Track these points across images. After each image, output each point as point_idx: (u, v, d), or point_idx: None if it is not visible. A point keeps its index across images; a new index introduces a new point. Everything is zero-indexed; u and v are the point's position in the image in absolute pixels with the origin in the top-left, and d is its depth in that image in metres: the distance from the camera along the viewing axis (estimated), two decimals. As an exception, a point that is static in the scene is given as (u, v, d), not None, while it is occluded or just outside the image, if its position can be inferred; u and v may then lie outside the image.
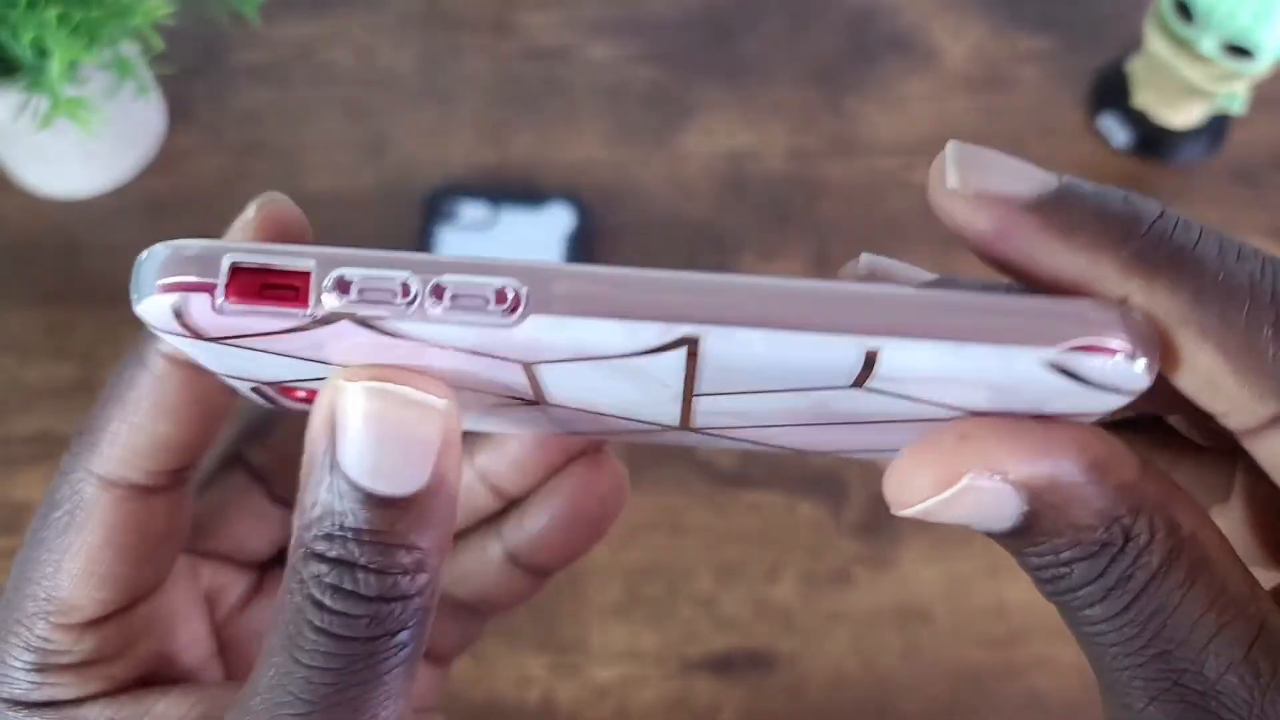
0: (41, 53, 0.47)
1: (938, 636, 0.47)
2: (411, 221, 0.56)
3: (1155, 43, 0.55)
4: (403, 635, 0.17)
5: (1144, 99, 0.58)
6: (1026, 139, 0.59)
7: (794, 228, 0.57)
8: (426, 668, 0.26)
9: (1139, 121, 0.58)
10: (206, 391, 0.20)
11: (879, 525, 0.49)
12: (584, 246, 0.55)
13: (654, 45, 0.63)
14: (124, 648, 0.21)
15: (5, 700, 0.20)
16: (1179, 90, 0.56)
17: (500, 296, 0.16)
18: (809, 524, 0.50)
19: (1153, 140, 0.58)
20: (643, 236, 0.57)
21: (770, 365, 0.17)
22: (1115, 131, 0.59)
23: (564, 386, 0.18)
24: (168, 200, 0.58)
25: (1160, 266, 0.16)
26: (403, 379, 0.17)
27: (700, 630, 0.48)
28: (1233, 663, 0.16)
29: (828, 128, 0.60)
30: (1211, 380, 0.16)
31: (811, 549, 0.49)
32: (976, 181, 0.18)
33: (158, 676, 0.22)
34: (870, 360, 0.17)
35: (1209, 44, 0.52)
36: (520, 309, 0.16)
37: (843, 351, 0.16)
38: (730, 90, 0.61)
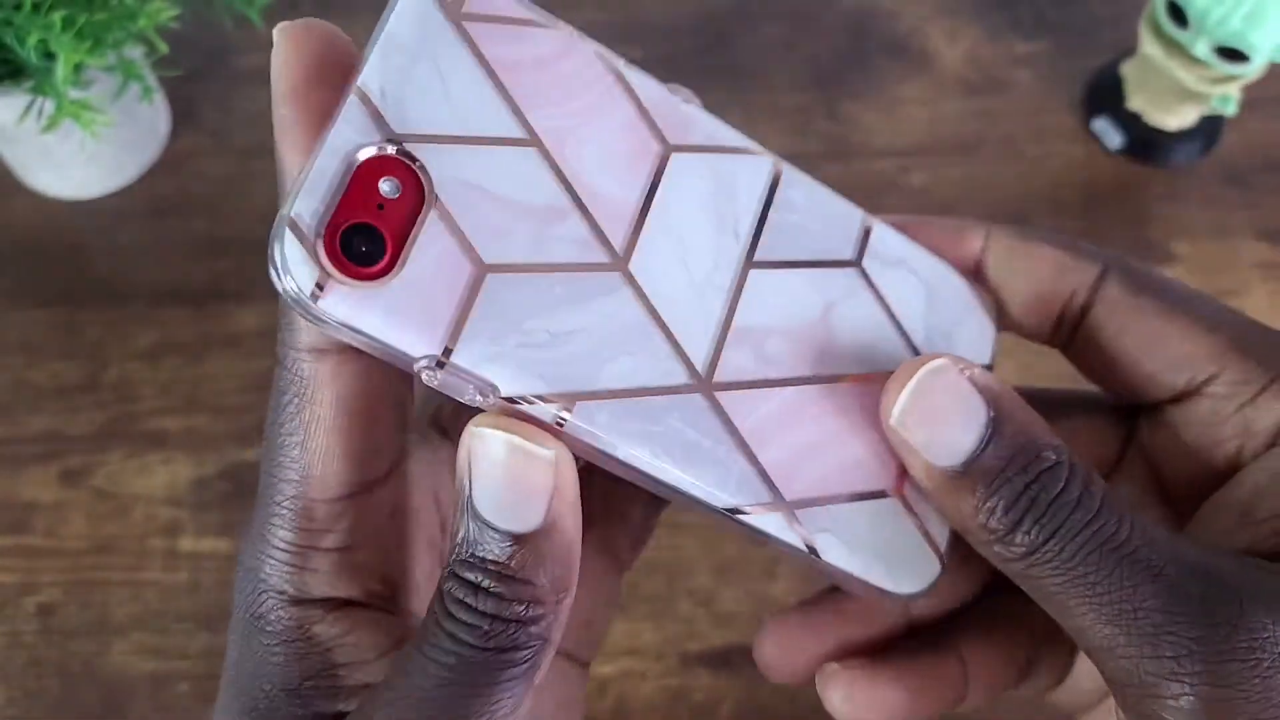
0: (47, 55, 0.48)
1: (933, 633, 0.48)
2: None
3: (1149, 46, 0.56)
4: (515, 654, 0.19)
5: (1138, 102, 0.59)
6: (1021, 142, 0.60)
7: (792, 229, 0.57)
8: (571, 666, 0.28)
9: (1133, 124, 0.59)
10: None
11: (875, 523, 0.50)
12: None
13: (651, 49, 0.63)
14: (367, 538, 0.22)
15: (271, 591, 0.22)
16: (1172, 93, 0.56)
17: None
18: (806, 522, 0.50)
19: (1146, 142, 0.59)
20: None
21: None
22: (1109, 134, 0.59)
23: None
24: (173, 202, 0.59)
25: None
26: (519, 429, 0.19)
27: (699, 626, 0.48)
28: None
29: (824, 131, 0.60)
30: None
31: (809, 546, 0.50)
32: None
33: (392, 592, 0.23)
34: (866, 234, 0.26)
35: (1202, 47, 0.53)
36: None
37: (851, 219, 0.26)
38: (727, 94, 0.61)
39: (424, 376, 0.20)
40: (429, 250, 0.19)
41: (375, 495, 0.23)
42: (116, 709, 0.47)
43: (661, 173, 0.22)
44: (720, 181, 0.23)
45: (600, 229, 0.21)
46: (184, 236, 0.58)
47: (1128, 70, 0.59)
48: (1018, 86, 0.62)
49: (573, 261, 0.21)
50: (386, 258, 0.19)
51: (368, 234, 0.19)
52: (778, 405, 0.22)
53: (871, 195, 0.59)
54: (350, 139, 0.20)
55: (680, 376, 0.21)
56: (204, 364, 0.54)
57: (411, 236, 0.19)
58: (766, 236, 0.24)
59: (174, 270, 0.57)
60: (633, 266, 0.21)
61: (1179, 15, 0.53)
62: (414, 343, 0.19)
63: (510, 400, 0.20)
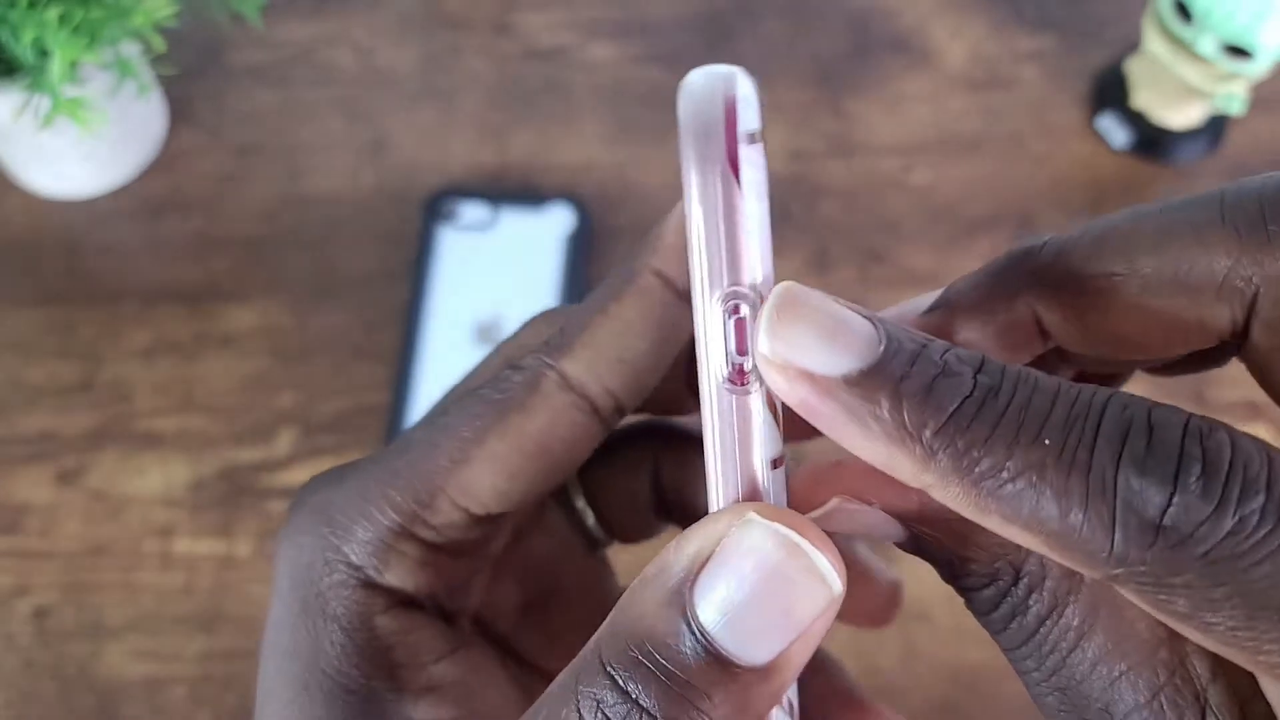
0: (42, 53, 0.47)
1: (936, 637, 0.47)
2: (411, 222, 0.56)
3: (1154, 43, 0.55)
4: None
5: (1143, 99, 0.58)
6: (1025, 139, 0.59)
7: (794, 228, 0.57)
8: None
9: (1137, 122, 0.58)
10: (680, 322, 0.20)
11: (878, 525, 0.50)
12: (583, 247, 0.55)
13: (654, 46, 0.63)
14: (473, 569, 0.20)
15: (346, 564, 0.19)
16: (1178, 91, 0.56)
17: None
18: (808, 523, 0.50)
19: (1151, 140, 0.58)
20: (642, 237, 0.57)
21: None
22: (1114, 132, 0.59)
23: None
24: (168, 200, 0.58)
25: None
26: (817, 540, 0.15)
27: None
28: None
29: (827, 128, 0.60)
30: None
31: (811, 548, 0.49)
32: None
33: (455, 605, 0.21)
34: None
35: (1207, 44, 0.52)
36: None
37: None
38: (730, 91, 0.61)
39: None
40: None
41: (493, 532, 0.21)
42: (111, 712, 0.47)
43: None
44: None
45: None
46: (179, 235, 0.57)
47: (1132, 67, 0.59)
48: (1021, 83, 0.61)
49: None
50: None
51: None
52: None
53: (875, 193, 0.58)
54: None
55: None
56: (199, 364, 0.54)
57: None
58: None
59: (169, 269, 0.56)
60: None
61: (1184, 11, 0.53)
62: None
63: None
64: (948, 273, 0.55)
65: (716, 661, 0.15)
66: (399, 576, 0.19)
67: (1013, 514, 0.15)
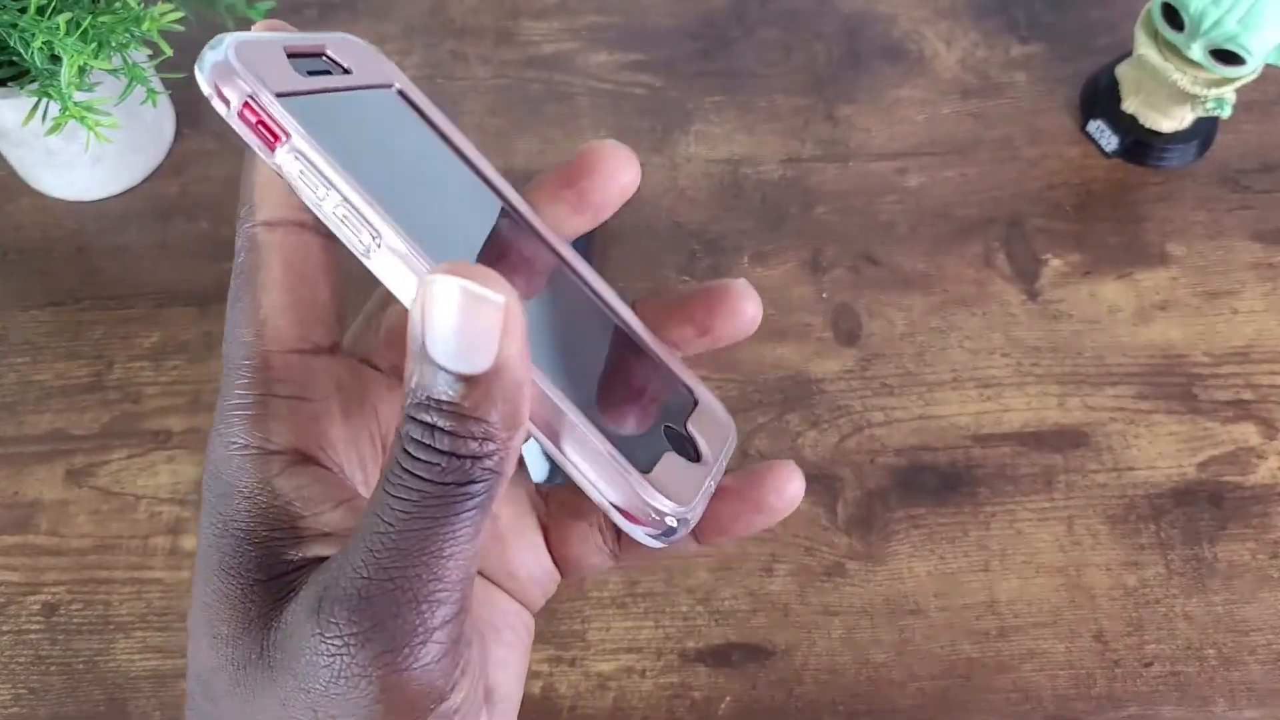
0: (52, 58, 0.48)
1: (930, 630, 0.48)
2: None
3: (1144, 48, 0.56)
4: (471, 488, 0.21)
5: (1133, 104, 0.59)
6: (1017, 144, 0.60)
7: (789, 232, 0.58)
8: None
9: (1128, 126, 0.59)
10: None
11: (872, 522, 0.50)
12: (585, 249, 0.56)
13: (653, 54, 0.64)
14: (320, 395, 0.25)
15: (234, 444, 0.24)
16: (1168, 95, 0.57)
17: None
18: (804, 520, 0.51)
19: (1142, 144, 0.59)
20: (642, 240, 0.58)
21: None
22: (1105, 136, 0.60)
23: None
24: (176, 204, 0.59)
25: None
26: (473, 274, 0.20)
27: (698, 623, 0.49)
28: None
29: (822, 134, 0.61)
30: None
31: (806, 544, 0.50)
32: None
33: (339, 459, 0.26)
34: None
35: (1197, 50, 0.53)
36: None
37: None
38: (727, 97, 0.62)
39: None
40: None
41: (323, 360, 0.25)
42: (120, 706, 0.47)
43: None
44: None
45: None
46: (188, 238, 0.58)
47: (1123, 72, 0.60)
48: (1013, 89, 0.62)
49: None
50: None
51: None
52: None
53: (870, 197, 0.59)
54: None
55: None
56: (207, 364, 0.54)
57: None
58: None
59: (178, 271, 0.57)
60: None
61: (1174, 18, 0.54)
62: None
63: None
64: (941, 274, 0.56)
65: (461, 381, 0.20)
66: (281, 437, 0.24)
67: None
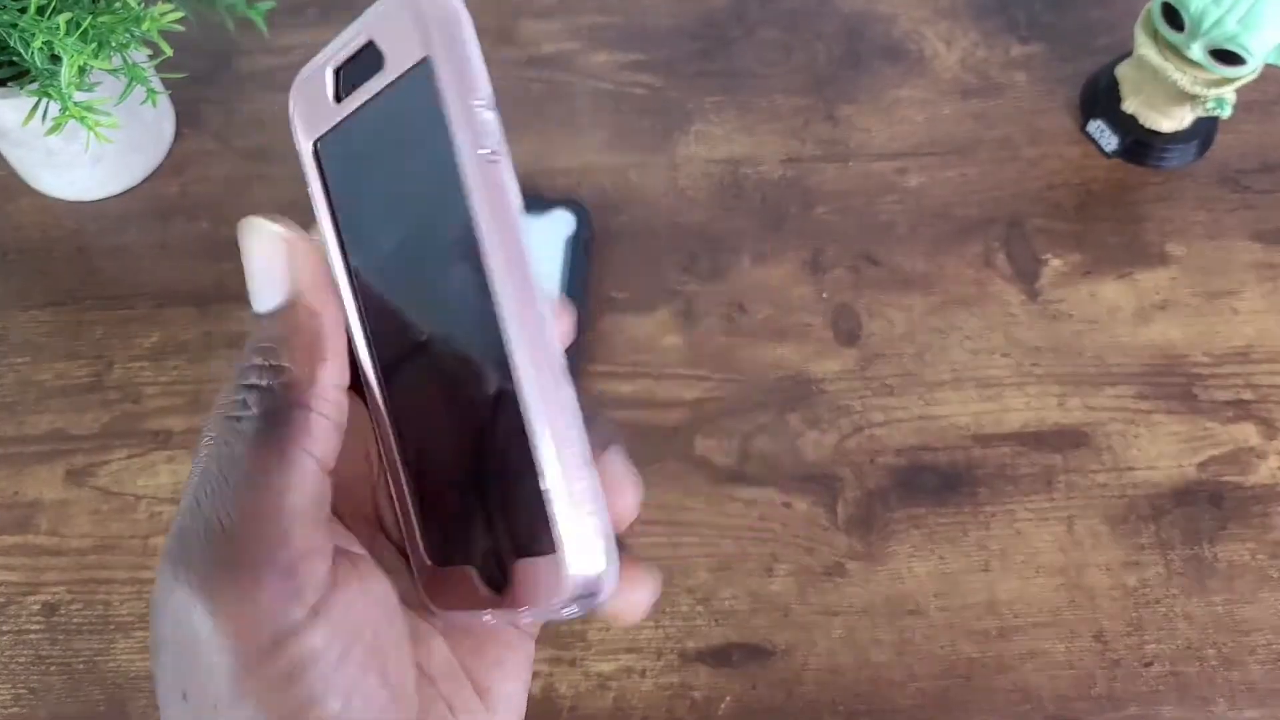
0: (52, 58, 0.48)
1: (930, 630, 0.48)
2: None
3: (1144, 48, 0.56)
4: (285, 415, 0.22)
5: (1133, 104, 0.59)
6: (1017, 144, 0.60)
7: (789, 231, 0.58)
8: None
9: (1128, 126, 0.59)
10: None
11: (872, 522, 0.50)
12: (585, 250, 0.56)
13: (653, 53, 0.64)
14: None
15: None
16: (1168, 95, 0.57)
17: None
18: (804, 520, 0.51)
19: (1142, 144, 0.59)
20: (642, 240, 0.58)
21: None
22: (1105, 136, 0.60)
23: None
24: (176, 204, 0.59)
25: None
26: (266, 214, 0.23)
27: (698, 623, 0.49)
28: None
29: (822, 134, 0.61)
30: None
31: (806, 545, 0.50)
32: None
33: None
34: None
35: (1197, 50, 0.53)
36: None
37: None
38: (727, 97, 0.62)
39: None
40: None
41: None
42: (120, 706, 0.47)
43: None
44: None
45: None
46: (188, 238, 0.58)
47: (1123, 72, 0.60)
48: (1013, 89, 0.62)
49: None
50: None
51: None
52: None
53: (870, 197, 0.59)
54: None
55: None
56: (208, 364, 0.54)
57: None
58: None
59: (178, 271, 0.57)
60: None
61: (1174, 18, 0.54)
62: None
63: None
64: (941, 274, 0.56)
65: (267, 318, 0.22)
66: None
67: None
